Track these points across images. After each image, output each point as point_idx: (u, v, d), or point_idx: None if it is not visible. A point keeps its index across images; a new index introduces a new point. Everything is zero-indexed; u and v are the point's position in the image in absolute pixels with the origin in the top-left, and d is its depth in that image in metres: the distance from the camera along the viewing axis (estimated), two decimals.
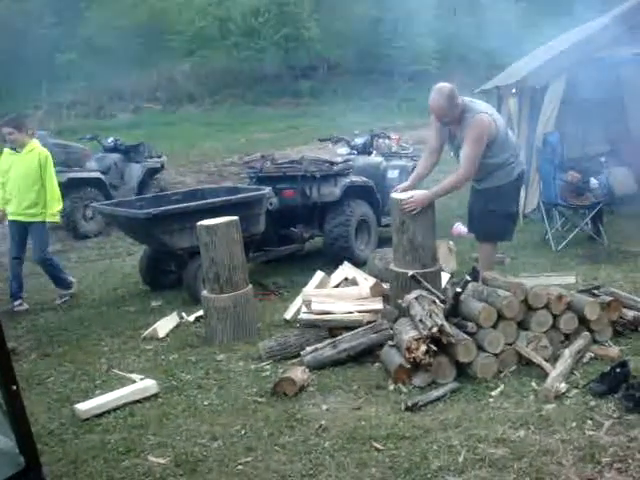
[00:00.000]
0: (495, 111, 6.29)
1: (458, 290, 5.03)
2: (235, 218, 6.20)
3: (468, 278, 5.17)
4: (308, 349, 5.29)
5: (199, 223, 6.15)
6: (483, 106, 6.15)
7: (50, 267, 7.73)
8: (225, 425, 4.40)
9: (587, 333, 5.05)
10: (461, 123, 6.03)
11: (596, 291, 5.57)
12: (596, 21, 11.04)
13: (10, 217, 7.58)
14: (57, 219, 7.86)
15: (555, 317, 5.05)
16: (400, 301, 5.30)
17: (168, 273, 7.96)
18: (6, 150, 7.58)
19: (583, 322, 5.12)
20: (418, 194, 5.78)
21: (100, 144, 13.62)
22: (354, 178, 8.58)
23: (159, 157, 13.62)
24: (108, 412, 4.70)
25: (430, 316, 4.74)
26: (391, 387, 4.75)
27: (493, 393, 4.54)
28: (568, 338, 5.08)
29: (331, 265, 7.27)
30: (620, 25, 9.46)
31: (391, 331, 5.22)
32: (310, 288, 6.41)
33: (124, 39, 30.83)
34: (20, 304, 7.55)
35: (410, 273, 5.46)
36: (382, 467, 3.75)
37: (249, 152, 16.11)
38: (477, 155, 5.92)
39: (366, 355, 5.26)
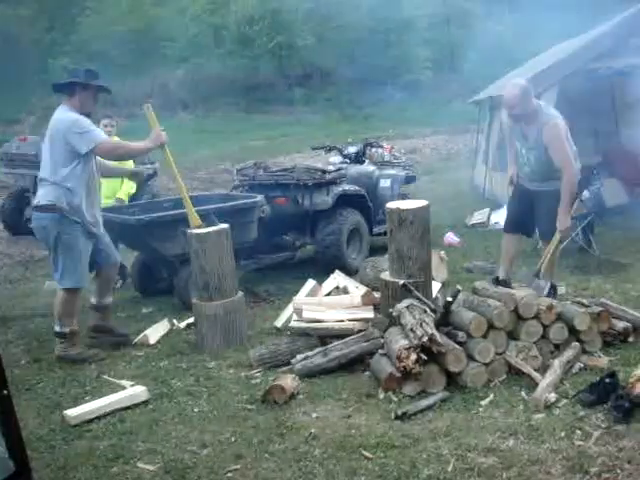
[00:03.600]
0: None
1: (449, 299, 5.05)
2: (226, 226, 6.21)
3: (459, 288, 5.18)
4: (299, 357, 5.29)
5: (190, 231, 6.16)
6: (556, 112, 6.43)
7: None
8: (215, 432, 4.40)
9: (577, 343, 5.07)
10: (534, 124, 6.30)
11: (585, 302, 5.59)
12: (589, 33, 11.12)
13: None
14: None
15: (545, 327, 5.07)
16: (391, 310, 5.30)
17: (159, 280, 7.95)
18: None
19: (573, 332, 5.14)
20: (560, 222, 6.29)
21: None
22: (346, 187, 8.59)
23: (152, 163, 13.59)
24: (98, 418, 4.69)
25: (421, 325, 4.75)
26: (381, 396, 4.76)
27: (483, 402, 4.55)
28: (558, 348, 5.10)
29: (322, 273, 7.27)
30: (612, 37, 9.52)
31: (382, 340, 5.23)
32: (301, 296, 6.42)
33: (118, 45, 30.86)
34: None
35: (401, 282, 5.47)
36: (372, 476, 3.75)
37: (242, 159, 16.11)
38: (570, 153, 6.23)
39: (357, 363, 5.27)
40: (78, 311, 6.10)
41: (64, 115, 5.86)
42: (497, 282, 5.78)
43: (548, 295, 6.13)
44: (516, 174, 6.81)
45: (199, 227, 6.21)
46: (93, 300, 6.36)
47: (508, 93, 6.28)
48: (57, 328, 5.96)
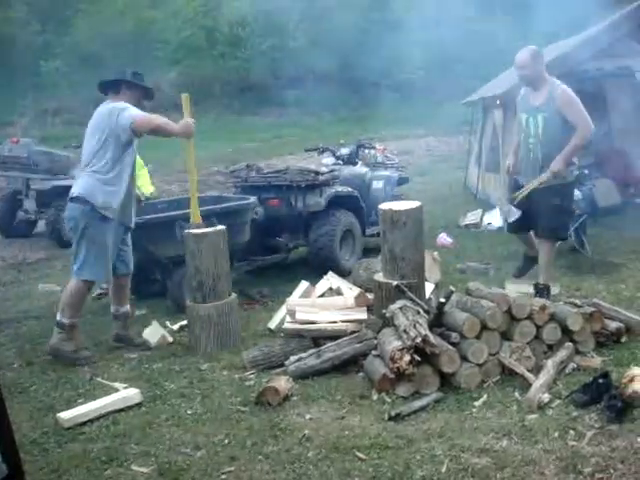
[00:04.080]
0: None
1: (442, 300, 5.05)
2: (222, 227, 6.21)
3: (452, 289, 5.18)
4: (292, 359, 5.29)
5: (186, 231, 6.16)
6: None
7: None
8: (208, 434, 4.40)
9: (570, 344, 5.08)
10: (543, 88, 6.58)
11: (578, 302, 5.60)
12: (580, 34, 11.15)
13: None
14: None
15: (538, 328, 5.08)
16: (384, 311, 5.31)
17: (153, 282, 7.94)
18: None
19: (566, 333, 5.15)
20: (555, 163, 6.42)
21: None
22: (339, 188, 8.60)
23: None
24: (91, 421, 4.68)
25: (414, 326, 4.75)
26: (375, 397, 4.76)
27: (476, 403, 4.55)
28: (551, 349, 5.11)
29: (316, 275, 7.28)
30: (604, 38, 9.55)
31: (375, 341, 5.23)
32: (294, 298, 6.42)
33: (110, 47, 30.79)
34: None
35: (394, 283, 5.47)
36: (365, 477, 3.75)
37: (235, 161, 16.11)
38: (584, 111, 6.44)
39: (350, 365, 5.28)
40: (81, 306, 6.09)
41: (108, 105, 5.95)
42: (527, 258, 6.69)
43: (542, 296, 6.20)
44: (515, 170, 6.94)
45: (198, 226, 6.21)
46: (112, 309, 6.39)
47: (520, 54, 6.62)
48: (58, 316, 5.99)
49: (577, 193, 8.17)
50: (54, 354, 5.98)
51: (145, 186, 8.42)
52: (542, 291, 6.51)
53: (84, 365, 5.86)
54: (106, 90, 6.10)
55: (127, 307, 6.37)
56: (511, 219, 6.85)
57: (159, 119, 5.97)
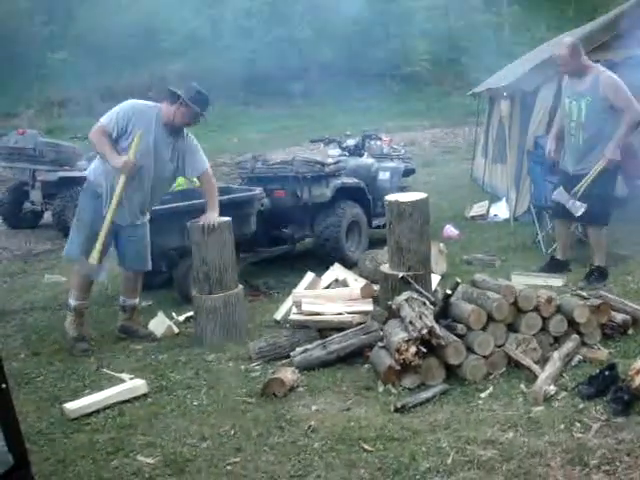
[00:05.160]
0: None
1: (448, 292, 5.04)
2: (228, 219, 6.20)
3: (458, 280, 5.18)
4: (298, 350, 5.29)
5: (192, 222, 6.15)
6: None
7: None
8: (214, 425, 4.40)
9: (576, 336, 5.07)
10: (587, 75, 6.69)
11: (585, 294, 5.60)
12: (588, 25, 11.08)
13: None
14: None
15: (544, 320, 5.07)
16: (390, 303, 5.30)
17: (158, 273, 7.93)
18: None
19: (572, 325, 5.14)
20: (608, 150, 6.63)
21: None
22: (345, 179, 8.57)
23: None
24: (97, 412, 4.69)
25: (420, 318, 4.75)
26: (380, 388, 4.76)
27: (482, 395, 4.55)
28: (557, 341, 5.10)
29: (322, 266, 7.27)
30: (612, 29, 9.48)
31: (381, 332, 5.23)
32: (300, 289, 6.42)
33: (116, 38, 30.75)
34: None
35: (400, 275, 5.46)
36: (371, 468, 3.75)
37: (240, 152, 16.10)
38: (630, 95, 6.56)
39: (356, 356, 5.27)
40: (83, 287, 6.12)
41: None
42: (553, 261, 6.80)
43: (596, 280, 6.54)
44: (556, 155, 7.12)
45: (95, 267, 6.04)
46: (120, 300, 6.44)
47: (558, 52, 6.83)
48: (69, 296, 6.18)
49: None
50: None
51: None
52: (592, 274, 6.58)
53: (78, 355, 5.89)
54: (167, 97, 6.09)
55: (135, 301, 6.38)
56: (578, 213, 6.81)
57: (103, 146, 5.82)
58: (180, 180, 7.97)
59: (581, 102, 6.68)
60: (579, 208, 6.73)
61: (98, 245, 5.79)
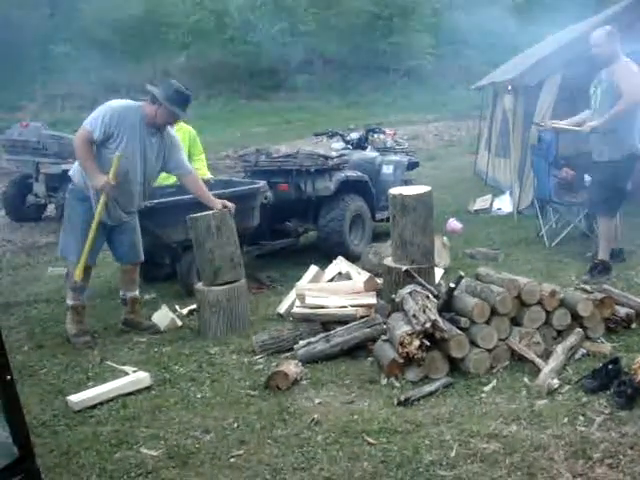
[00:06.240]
0: None
1: (451, 285, 5.04)
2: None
3: (462, 274, 5.17)
4: (301, 343, 5.30)
5: (193, 215, 6.15)
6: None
7: None
8: (218, 418, 4.41)
9: (580, 330, 5.06)
10: (612, 65, 6.72)
11: (588, 288, 5.59)
12: (592, 18, 11.05)
13: None
14: None
15: (548, 313, 5.07)
16: (393, 296, 5.30)
17: (162, 266, 7.94)
18: None
19: (576, 318, 5.13)
20: (596, 122, 6.70)
21: None
22: (349, 173, 8.56)
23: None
24: (101, 404, 4.70)
25: (423, 311, 4.75)
26: (384, 381, 4.76)
27: (485, 388, 4.55)
28: (561, 334, 5.10)
29: (325, 259, 7.28)
30: (616, 23, 9.45)
31: (384, 326, 5.23)
32: (304, 282, 6.42)
33: (119, 31, 30.75)
34: None
35: (404, 268, 5.46)
36: (374, 461, 3.76)
37: (244, 145, 16.09)
38: (636, 82, 6.57)
39: (359, 349, 5.28)
40: (78, 291, 6.09)
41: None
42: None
43: (600, 274, 6.60)
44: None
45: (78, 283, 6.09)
46: (120, 293, 6.47)
47: (595, 32, 6.89)
48: (66, 296, 6.21)
49: (587, 178, 8.14)
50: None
51: (201, 170, 8.32)
52: (596, 267, 6.59)
53: (81, 348, 5.90)
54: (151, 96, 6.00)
55: (134, 293, 6.38)
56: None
57: (85, 162, 5.76)
58: (202, 173, 8.01)
59: (598, 89, 6.81)
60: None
61: (82, 260, 5.78)
